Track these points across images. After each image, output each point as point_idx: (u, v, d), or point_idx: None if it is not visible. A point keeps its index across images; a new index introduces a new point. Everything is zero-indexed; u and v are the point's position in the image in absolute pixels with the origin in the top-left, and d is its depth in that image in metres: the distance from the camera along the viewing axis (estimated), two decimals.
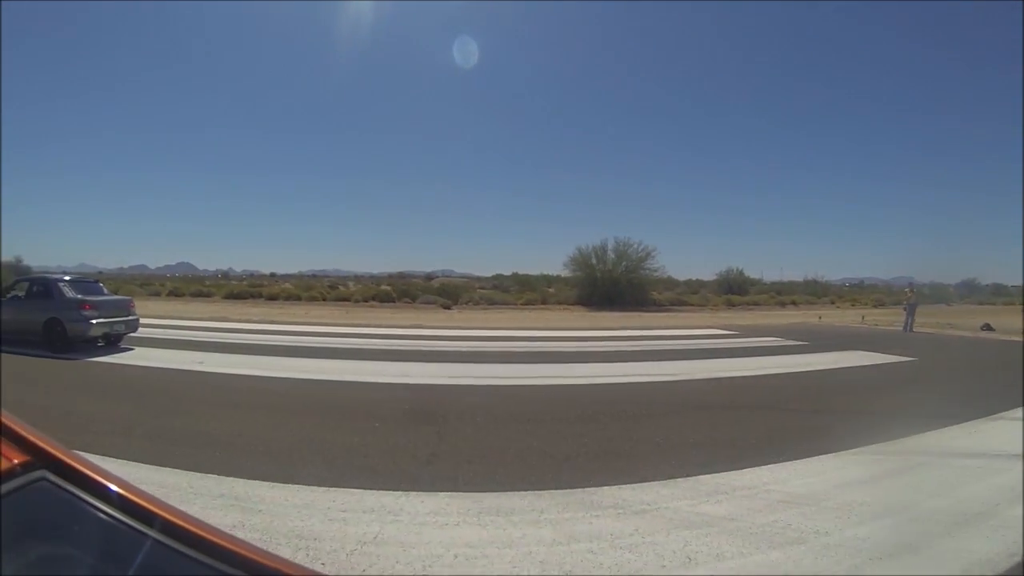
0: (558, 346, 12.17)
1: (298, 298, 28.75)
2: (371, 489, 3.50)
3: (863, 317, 22.72)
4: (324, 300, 28.31)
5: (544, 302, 26.51)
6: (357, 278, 59.30)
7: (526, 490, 3.55)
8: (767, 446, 4.62)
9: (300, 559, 2.61)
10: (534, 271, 45.08)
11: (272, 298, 28.83)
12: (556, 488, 3.60)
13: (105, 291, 10.74)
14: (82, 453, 0.66)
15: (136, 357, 8.96)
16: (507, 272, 51.43)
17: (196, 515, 0.64)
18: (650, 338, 14.12)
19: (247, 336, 12.41)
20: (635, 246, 27.90)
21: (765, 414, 6.06)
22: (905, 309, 17.58)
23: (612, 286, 25.99)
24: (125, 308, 10.20)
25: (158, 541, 0.63)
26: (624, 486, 3.64)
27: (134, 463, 3.86)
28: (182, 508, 0.67)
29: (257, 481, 3.58)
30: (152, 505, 0.66)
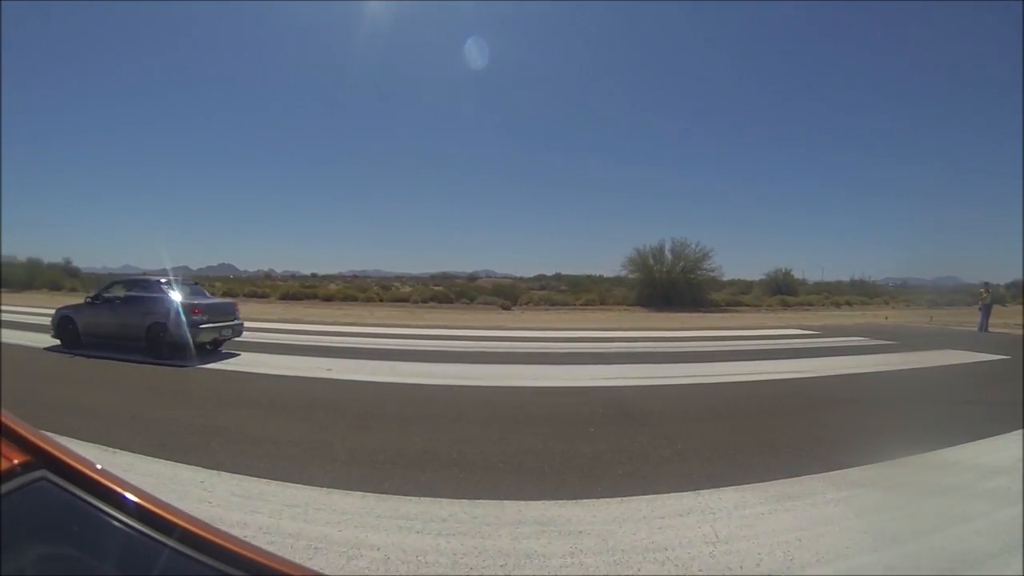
0: (668, 347, 12.11)
1: (354, 299, 28.99)
2: (660, 493, 3.51)
3: (931, 317, 22.63)
4: (381, 301, 28.55)
5: (603, 303, 26.80)
6: (399, 278, 60.15)
7: (784, 478, 3.84)
8: (941, 431, 5.13)
9: (667, 571, 2.57)
10: (577, 272, 45.35)
11: (328, 299, 29.06)
12: (802, 475, 3.91)
13: (207, 294, 10.46)
14: (82, 453, 0.68)
15: (251, 364, 8.38)
16: (548, 273, 51.88)
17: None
18: (745, 338, 14.36)
19: (344, 340, 11.90)
20: (692, 247, 28.32)
21: (917, 404, 6.70)
22: (980, 309, 17.76)
23: (671, 287, 26.35)
24: (231, 312, 9.73)
25: (157, 540, 0.63)
26: (859, 467, 4.08)
27: (361, 492, 3.41)
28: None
29: (536, 502, 3.36)
30: (155, 506, 0.65)
